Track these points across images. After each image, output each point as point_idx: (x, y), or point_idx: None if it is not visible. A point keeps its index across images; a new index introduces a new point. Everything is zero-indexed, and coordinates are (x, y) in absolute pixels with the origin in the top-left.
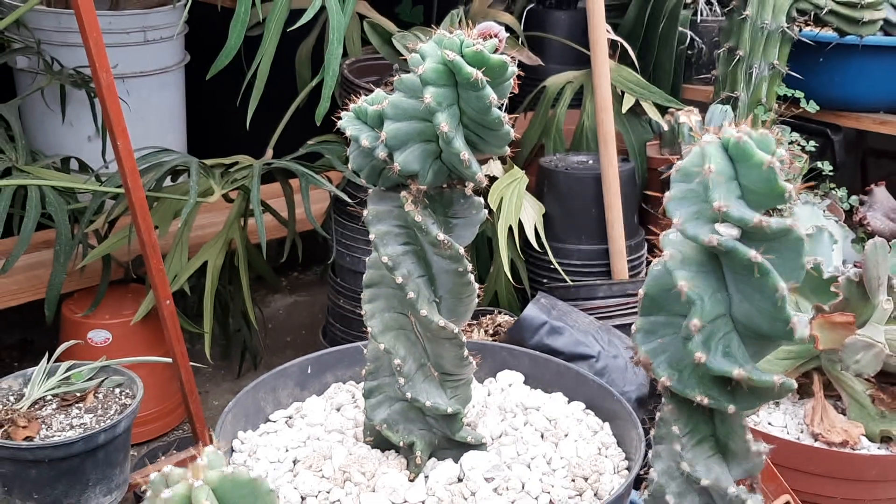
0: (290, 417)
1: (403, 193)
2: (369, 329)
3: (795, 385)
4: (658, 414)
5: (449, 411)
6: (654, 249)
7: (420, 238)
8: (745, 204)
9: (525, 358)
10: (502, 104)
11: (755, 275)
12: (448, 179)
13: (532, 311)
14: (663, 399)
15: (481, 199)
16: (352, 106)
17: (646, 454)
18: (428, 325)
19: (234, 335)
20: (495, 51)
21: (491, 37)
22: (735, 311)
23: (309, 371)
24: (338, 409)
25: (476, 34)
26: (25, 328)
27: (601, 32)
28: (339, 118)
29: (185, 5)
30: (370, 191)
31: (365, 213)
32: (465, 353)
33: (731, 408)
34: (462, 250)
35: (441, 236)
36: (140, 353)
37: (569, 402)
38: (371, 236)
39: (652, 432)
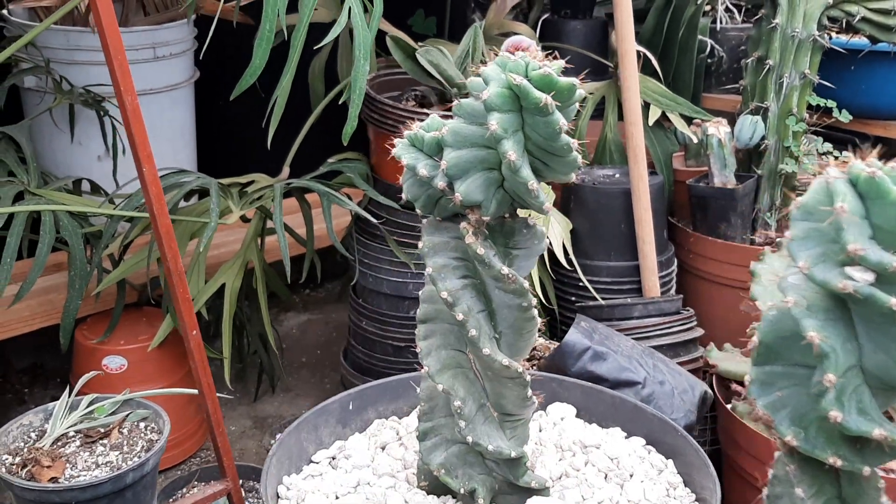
0: (334, 458)
1: (463, 225)
2: (425, 368)
3: None
4: (771, 472)
5: (513, 455)
6: (683, 264)
7: (480, 271)
8: (877, 245)
9: (577, 390)
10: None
11: (894, 324)
12: (510, 208)
13: (574, 335)
14: (779, 456)
15: (543, 229)
16: (406, 133)
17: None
18: (490, 364)
19: (250, 357)
20: (561, 72)
21: (523, 52)
22: (866, 361)
23: (350, 407)
24: (382, 448)
25: (505, 49)
26: (36, 352)
27: (630, 44)
28: (367, 137)
29: (211, 26)
30: (424, 221)
31: (420, 245)
32: (529, 392)
33: (867, 470)
34: (526, 284)
35: (505, 270)
36: (157, 379)
37: (627, 437)
38: (428, 270)
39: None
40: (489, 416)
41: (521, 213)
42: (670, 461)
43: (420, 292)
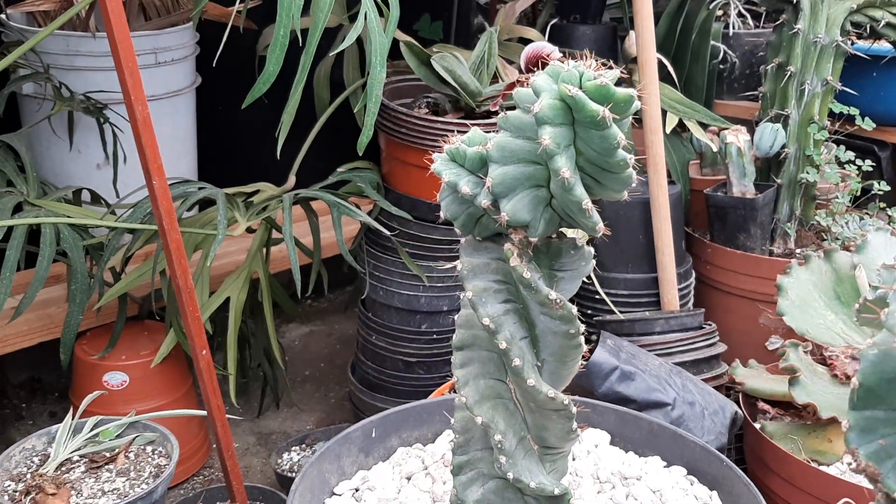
0: (357, 490)
1: (508, 246)
2: (463, 398)
3: None
4: None
5: (556, 493)
6: (699, 276)
7: (525, 296)
8: None
9: (611, 415)
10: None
11: None
12: (556, 228)
13: (601, 355)
14: None
15: (591, 249)
16: (447, 147)
17: None
18: (535, 395)
19: (252, 371)
20: (618, 82)
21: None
22: None
23: (373, 434)
24: (408, 479)
25: (525, 56)
26: (33, 367)
27: (650, 52)
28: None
29: (211, 30)
30: (463, 241)
31: (458, 266)
32: (574, 425)
33: None
34: (574, 309)
35: (553, 295)
36: (160, 395)
37: (667, 466)
38: (467, 294)
39: None
40: (529, 450)
41: (567, 232)
42: (714, 493)
43: (456, 317)
